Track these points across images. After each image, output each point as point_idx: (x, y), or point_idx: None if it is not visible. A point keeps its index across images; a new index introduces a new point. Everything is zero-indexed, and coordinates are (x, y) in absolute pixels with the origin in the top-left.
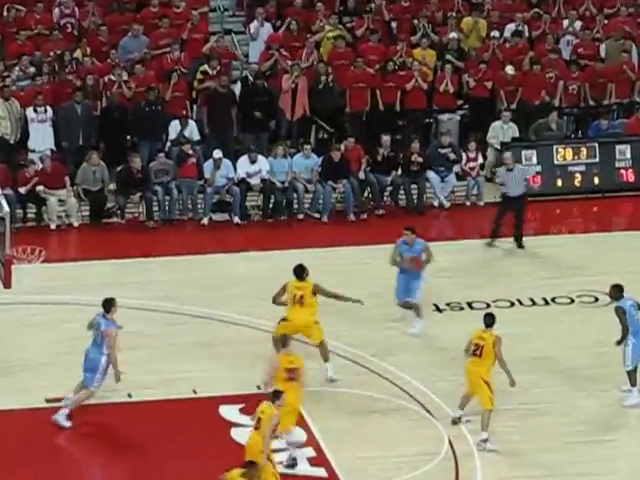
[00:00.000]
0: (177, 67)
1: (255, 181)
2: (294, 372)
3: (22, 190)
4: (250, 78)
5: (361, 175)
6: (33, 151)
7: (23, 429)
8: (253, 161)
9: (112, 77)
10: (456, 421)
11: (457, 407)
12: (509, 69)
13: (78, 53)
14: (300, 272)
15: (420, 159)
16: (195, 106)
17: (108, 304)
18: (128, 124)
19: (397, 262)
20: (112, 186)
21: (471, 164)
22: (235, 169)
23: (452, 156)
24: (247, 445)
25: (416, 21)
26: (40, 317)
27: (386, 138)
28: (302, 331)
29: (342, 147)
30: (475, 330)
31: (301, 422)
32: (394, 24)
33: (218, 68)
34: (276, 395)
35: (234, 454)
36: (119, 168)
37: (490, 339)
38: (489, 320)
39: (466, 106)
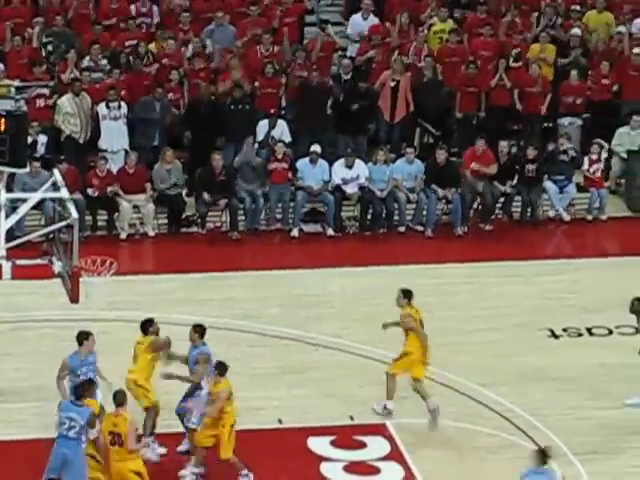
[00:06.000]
0: (269, 60)
1: (352, 189)
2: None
3: (91, 192)
4: (343, 75)
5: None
6: (105, 151)
7: None
8: (350, 166)
9: (197, 65)
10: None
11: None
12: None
13: (153, 47)
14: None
15: (533, 166)
16: (283, 102)
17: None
18: (215, 123)
19: None
20: (185, 191)
21: (594, 167)
22: (330, 174)
23: (572, 153)
24: None
25: (536, 14)
26: (110, 336)
27: (503, 144)
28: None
29: (478, 147)
30: None
31: (399, 458)
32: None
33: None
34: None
35: None
36: (199, 171)
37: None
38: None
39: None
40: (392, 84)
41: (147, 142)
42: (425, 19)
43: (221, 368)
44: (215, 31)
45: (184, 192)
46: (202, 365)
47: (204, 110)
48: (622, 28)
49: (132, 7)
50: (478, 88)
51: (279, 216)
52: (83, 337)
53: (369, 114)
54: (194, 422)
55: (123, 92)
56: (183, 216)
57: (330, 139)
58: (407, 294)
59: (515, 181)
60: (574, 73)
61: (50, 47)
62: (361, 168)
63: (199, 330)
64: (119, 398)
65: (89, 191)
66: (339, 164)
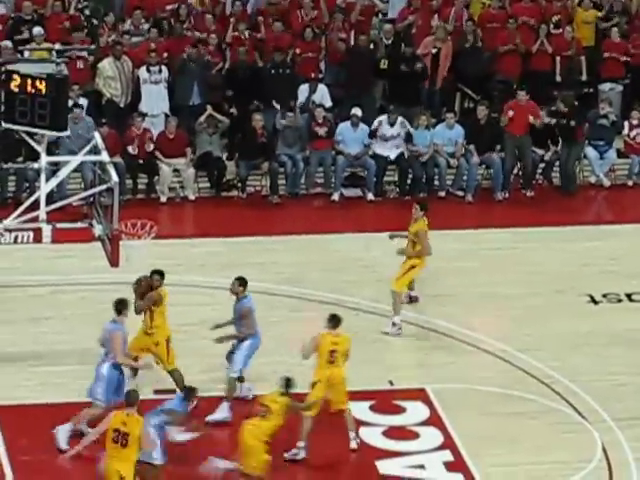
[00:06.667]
0: (310, 24)
1: (392, 151)
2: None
3: (131, 149)
4: (384, 40)
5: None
6: (145, 115)
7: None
8: (392, 124)
9: (235, 33)
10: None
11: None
12: None
13: (195, 2)
14: None
15: (565, 109)
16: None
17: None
18: (255, 88)
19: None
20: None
21: (634, 132)
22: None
23: (612, 117)
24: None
25: None
26: None
27: (542, 113)
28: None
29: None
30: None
31: (438, 423)
32: None
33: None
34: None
35: (363, 455)
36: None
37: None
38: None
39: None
40: (433, 51)
41: (184, 108)
42: None
43: (333, 321)
44: None
45: (224, 156)
46: (246, 319)
47: (242, 75)
48: None
49: None
50: (518, 47)
51: (320, 180)
52: (124, 305)
53: (420, 79)
54: (235, 371)
55: (165, 54)
56: (224, 180)
57: (371, 103)
58: (424, 207)
59: (559, 147)
60: (615, 30)
61: (87, 11)
62: (403, 126)
63: (243, 282)
64: (132, 398)
65: (129, 149)
66: (383, 119)
